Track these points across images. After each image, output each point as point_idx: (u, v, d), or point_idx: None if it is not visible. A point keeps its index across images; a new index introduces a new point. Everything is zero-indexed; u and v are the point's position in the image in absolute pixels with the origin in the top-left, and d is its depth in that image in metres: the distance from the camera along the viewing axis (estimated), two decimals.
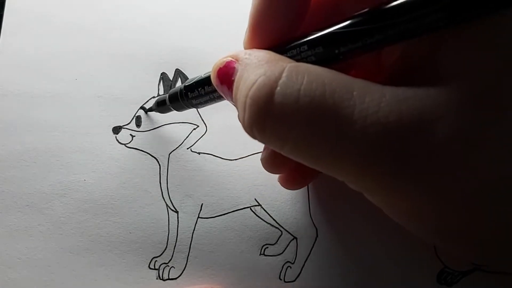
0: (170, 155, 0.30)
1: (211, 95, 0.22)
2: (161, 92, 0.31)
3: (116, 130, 0.30)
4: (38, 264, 0.28)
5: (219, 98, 0.21)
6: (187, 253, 0.29)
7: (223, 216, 0.29)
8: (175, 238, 0.29)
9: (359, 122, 0.14)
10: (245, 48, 0.19)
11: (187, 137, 0.30)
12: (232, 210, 0.29)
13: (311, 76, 0.15)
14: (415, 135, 0.14)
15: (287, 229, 0.29)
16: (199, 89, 0.22)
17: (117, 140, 0.30)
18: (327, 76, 0.15)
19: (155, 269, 0.29)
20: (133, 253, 0.29)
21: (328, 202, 0.30)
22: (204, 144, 0.30)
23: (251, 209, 0.30)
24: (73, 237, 0.29)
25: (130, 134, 0.30)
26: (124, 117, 0.30)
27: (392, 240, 0.29)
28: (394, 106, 0.14)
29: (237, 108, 0.18)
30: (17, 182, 0.29)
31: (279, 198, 0.30)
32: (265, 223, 0.29)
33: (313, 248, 0.29)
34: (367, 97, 0.14)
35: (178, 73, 0.31)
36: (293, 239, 0.29)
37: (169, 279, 0.28)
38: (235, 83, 0.17)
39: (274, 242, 0.29)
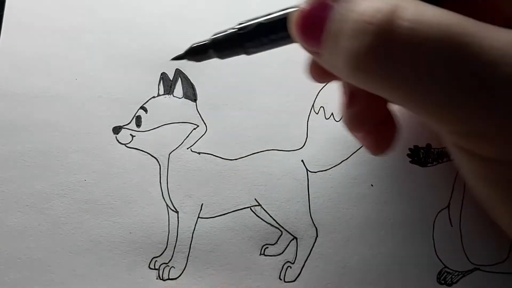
0: (170, 155, 0.30)
1: (275, 42, 0.19)
2: (161, 92, 0.31)
3: (116, 130, 0.30)
4: (38, 264, 0.28)
5: (285, 42, 0.19)
6: (187, 253, 0.29)
7: (223, 216, 0.29)
8: (175, 238, 0.29)
9: (492, 55, 0.14)
10: None
11: (187, 137, 0.30)
12: (232, 210, 0.29)
13: (440, 9, 0.15)
14: None
15: (287, 229, 0.29)
16: (261, 38, 0.19)
17: (117, 140, 0.30)
18: (455, 13, 0.15)
19: (155, 269, 0.29)
20: (133, 253, 0.29)
21: (328, 202, 0.30)
22: (204, 144, 0.30)
23: (251, 209, 0.30)
24: (73, 237, 0.29)
25: (130, 134, 0.30)
26: (124, 117, 0.30)
27: (391, 240, 0.29)
28: None
29: (327, 52, 0.17)
30: (17, 182, 0.29)
31: (279, 198, 0.30)
32: (265, 223, 0.29)
33: (313, 248, 0.29)
34: (499, 32, 0.14)
35: (178, 73, 0.31)
36: (293, 239, 0.29)
37: (169, 279, 0.28)
38: (335, 19, 0.16)
39: (274, 242, 0.29)
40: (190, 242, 0.29)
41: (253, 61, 0.31)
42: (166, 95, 0.31)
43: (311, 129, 0.31)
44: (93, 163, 0.30)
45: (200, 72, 0.31)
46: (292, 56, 0.32)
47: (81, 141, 0.30)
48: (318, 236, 0.29)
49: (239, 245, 0.29)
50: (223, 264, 0.29)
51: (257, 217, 0.29)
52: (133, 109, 0.31)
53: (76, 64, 0.31)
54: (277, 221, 0.29)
